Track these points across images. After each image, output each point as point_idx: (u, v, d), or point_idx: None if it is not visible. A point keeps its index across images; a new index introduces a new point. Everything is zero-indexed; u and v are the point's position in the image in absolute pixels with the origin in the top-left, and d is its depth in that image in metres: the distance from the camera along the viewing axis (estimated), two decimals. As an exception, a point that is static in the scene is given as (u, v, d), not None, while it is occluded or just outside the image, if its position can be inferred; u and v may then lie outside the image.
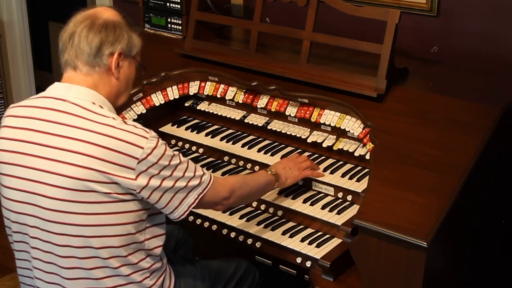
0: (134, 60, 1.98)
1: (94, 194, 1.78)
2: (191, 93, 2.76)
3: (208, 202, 1.97)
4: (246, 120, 2.67)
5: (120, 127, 1.79)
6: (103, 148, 1.76)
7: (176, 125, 2.81)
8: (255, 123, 2.64)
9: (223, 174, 2.53)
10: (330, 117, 2.41)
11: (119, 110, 2.66)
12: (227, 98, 2.67)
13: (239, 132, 2.71)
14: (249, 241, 2.31)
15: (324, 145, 2.45)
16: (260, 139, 2.65)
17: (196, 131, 2.75)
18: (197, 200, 1.91)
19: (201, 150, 2.71)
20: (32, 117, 1.87)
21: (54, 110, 1.84)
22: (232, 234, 2.35)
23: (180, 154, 1.89)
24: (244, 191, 2.11)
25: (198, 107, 2.81)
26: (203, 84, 2.74)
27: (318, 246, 2.18)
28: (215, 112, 2.75)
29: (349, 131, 2.37)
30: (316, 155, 2.50)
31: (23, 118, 1.88)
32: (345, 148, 2.40)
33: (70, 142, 1.78)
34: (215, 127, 2.78)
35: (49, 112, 1.85)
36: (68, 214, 1.80)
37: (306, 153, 2.51)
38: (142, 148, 1.77)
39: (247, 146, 2.59)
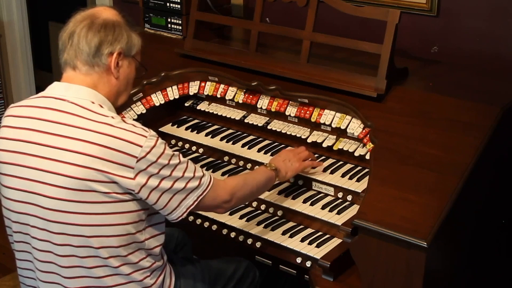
0: (134, 60, 1.99)
1: (94, 194, 1.78)
2: (191, 93, 2.76)
3: (208, 205, 1.97)
4: (246, 120, 2.66)
5: (119, 125, 1.79)
6: (103, 147, 1.76)
7: (176, 125, 2.81)
8: (255, 123, 2.64)
9: (223, 174, 2.53)
10: (330, 117, 2.41)
11: (119, 110, 2.66)
12: (227, 98, 2.67)
13: (239, 132, 2.71)
14: (249, 241, 2.31)
15: (324, 145, 2.45)
16: (260, 139, 2.65)
17: (196, 131, 2.75)
18: (196, 202, 1.90)
19: (201, 150, 2.71)
20: (32, 117, 1.87)
21: (53, 109, 1.85)
22: (232, 234, 2.35)
23: (180, 154, 1.88)
24: (245, 192, 2.10)
25: (198, 107, 2.81)
26: (203, 84, 2.74)
27: (318, 246, 2.18)
28: (215, 112, 2.75)
29: (349, 131, 2.37)
30: (316, 155, 2.50)
31: (23, 118, 1.88)
32: (345, 148, 2.40)
33: (70, 141, 1.78)
34: (215, 127, 2.78)
35: (48, 112, 1.85)
36: (68, 213, 1.80)
37: (306, 153, 2.51)
38: (141, 146, 1.77)
39: (247, 146, 2.59)
